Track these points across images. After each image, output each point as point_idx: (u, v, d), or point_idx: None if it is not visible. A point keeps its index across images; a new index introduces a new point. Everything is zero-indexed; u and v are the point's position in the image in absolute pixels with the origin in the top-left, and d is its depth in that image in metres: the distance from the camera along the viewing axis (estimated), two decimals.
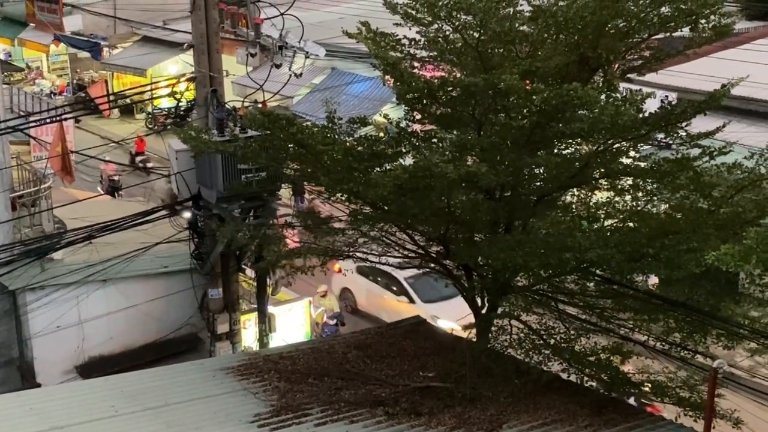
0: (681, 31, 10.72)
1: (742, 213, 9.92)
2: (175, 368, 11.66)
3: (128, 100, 28.41)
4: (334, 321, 18.02)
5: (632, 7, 10.23)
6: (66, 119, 18.04)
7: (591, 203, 11.59)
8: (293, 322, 16.13)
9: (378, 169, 10.28)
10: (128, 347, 14.09)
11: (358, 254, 12.20)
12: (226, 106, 13.07)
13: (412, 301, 19.10)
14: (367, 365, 11.30)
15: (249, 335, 14.52)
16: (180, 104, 22.46)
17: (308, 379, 10.81)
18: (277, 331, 14.79)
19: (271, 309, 14.69)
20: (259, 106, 12.78)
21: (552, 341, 11.40)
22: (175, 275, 14.13)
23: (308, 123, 11.58)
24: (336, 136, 10.49)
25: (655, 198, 11.10)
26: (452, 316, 16.24)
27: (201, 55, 13.12)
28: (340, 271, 19.60)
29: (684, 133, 10.60)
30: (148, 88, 21.56)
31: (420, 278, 18.23)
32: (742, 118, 17.37)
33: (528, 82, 9.79)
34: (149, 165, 30.04)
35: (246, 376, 10.98)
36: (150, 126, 32.92)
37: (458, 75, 10.94)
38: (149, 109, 34.22)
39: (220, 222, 12.75)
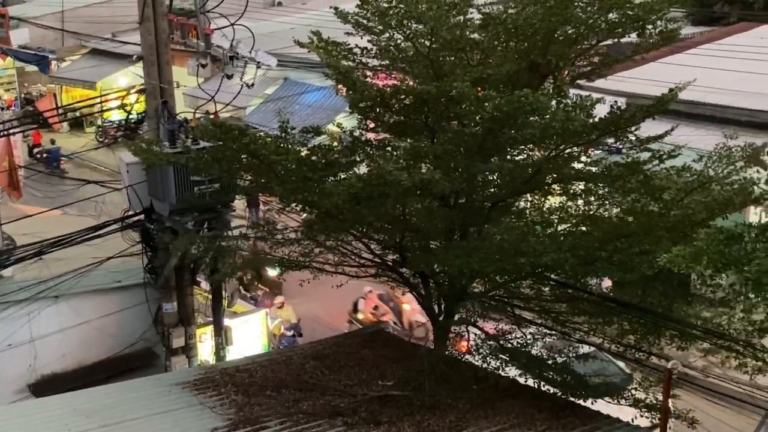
0: (629, 36, 10.88)
1: (691, 215, 10.09)
2: (129, 384, 11.48)
3: (78, 114, 28.07)
4: (292, 332, 17.92)
5: (580, 14, 10.35)
6: (13, 134, 17.72)
7: (544, 208, 11.70)
8: (250, 334, 16.03)
9: (332, 178, 10.25)
10: (82, 364, 13.85)
11: (314, 265, 12.15)
12: (178, 117, 12.94)
13: None
14: (326, 376, 11.24)
15: (205, 349, 14.38)
16: (130, 116, 22.23)
17: (266, 392, 10.71)
18: (234, 344, 14.66)
19: (227, 322, 14.56)
20: (211, 117, 12.68)
21: (509, 346, 11.46)
22: (129, 290, 13.94)
23: (261, 133, 11.52)
24: (289, 146, 10.44)
25: (607, 202, 11.25)
26: None
27: (151, 67, 12.99)
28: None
29: (633, 138, 10.75)
30: (98, 100, 21.25)
31: None
32: (689, 121, 17.68)
33: (480, 89, 9.85)
34: (45, 156, 30.34)
35: (202, 390, 10.85)
36: (100, 139, 32.50)
37: (410, 83, 10.98)
38: (99, 122, 33.79)
39: (173, 235, 12.61)
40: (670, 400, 9.49)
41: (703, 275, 10.18)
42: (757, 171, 12.32)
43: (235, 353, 14.36)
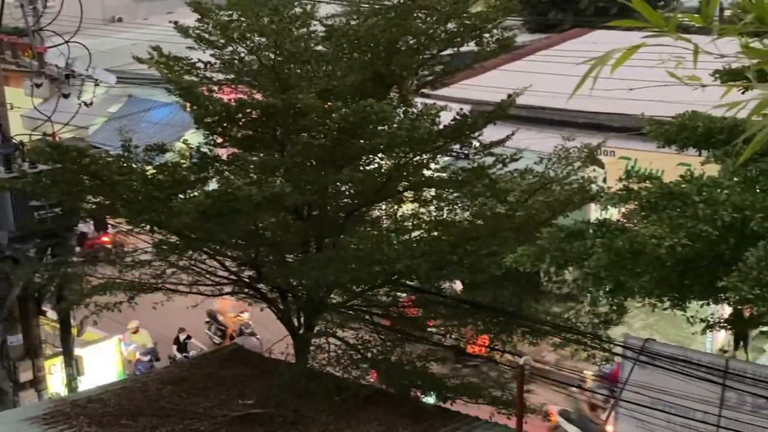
0: (467, 45, 11.19)
1: (535, 215, 10.49)
2: None
3: None
4: (148, 357, 17.33)
5: (420, 25, 10.56)
6: None
7: (398, 216, 11.87)
8: (103, 362, 15.41)
9: (180, 196, 10.01)
10: None
11: (167, 286, 11.84)
12: (13, 140, 12.30)
13: None
14: (183, 399, 10.94)
15: (56, 381, 13.71)
16: None
17: (120, 421, 10.33)
18: (86, 374, 14.06)
19: (78, 351, 13.96)
20: (49, 138, 12.12)
21: (369, 354, 11.51)
22: None
23: (104, 153, 11.13)
24: (133, 165, 10.13)
25: (457, 206, 11.52)
26: None
27: None
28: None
29: (477, 143, 11.06)
30: None
31: None
32: (531, 125, 18.36)
33: (329, 101, 9.89)
34: None
35: (53, 424, 10.33)
36: None
37: (257, 96, 10.89)
38: None
39: (14, 264, 11.97)
40: (524, 395, 9.77)
41: (549, 272, 10.64)
42: (594, 170, 12.98)
43: (88, 383, 13.75)
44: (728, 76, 7.91)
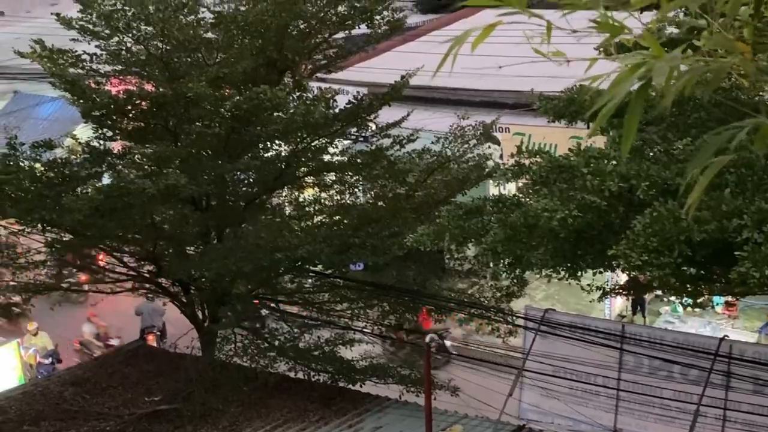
0: (359, 28, 11.19)
1: (434, 194, 10.62)
2: None
3: None
4: (50, 359, 16.78)
5: (310, 8, 10.50)
6: None
7: (300, 202, 11.82)
8: (2, 367, 14.84)
9: (72, 193, 9.70)
10: None
11: (64, 286, 11.52)
12: None
13: None
14: (87, 400, 10.68)
15: None
16: None
17: (22, 427, 10.02)
18: None
19: None
20: None
21: (276, 342, 11.47)
22: None
23: None
24: (21, 163, 9.75)
25: (357, 189, 11.56)
26: None
27: None
28: None
29: (374, 126, 11.10)
30: None
31: None
32: (426, 106, 18.48)
33: (227, 88, 9.75)
34: None
35: None
36: None
37: (148, 87, 10.63)
38: None
39: None
40: (432, 372, 9.90)
41: (450, 250, 10.79)
42: (489, 147, 13.21)
43: None
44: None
